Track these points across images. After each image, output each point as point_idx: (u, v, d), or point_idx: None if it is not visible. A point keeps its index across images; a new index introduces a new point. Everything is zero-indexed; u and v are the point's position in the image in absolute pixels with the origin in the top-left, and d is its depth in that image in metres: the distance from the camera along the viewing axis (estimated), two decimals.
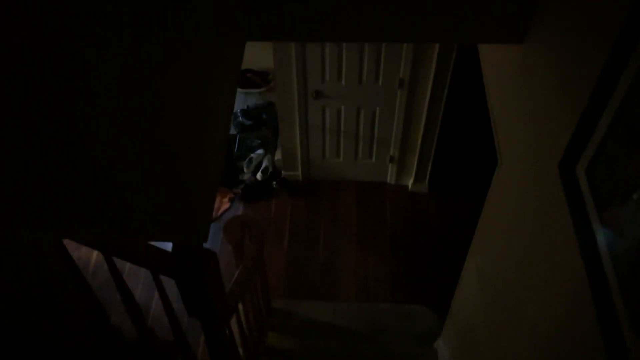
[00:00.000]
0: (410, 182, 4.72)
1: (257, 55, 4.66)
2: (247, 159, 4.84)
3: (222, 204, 4.60)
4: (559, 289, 1.50)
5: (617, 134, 1.19)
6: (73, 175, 1.20)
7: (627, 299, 1.07)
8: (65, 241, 2.00)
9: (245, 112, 4.96)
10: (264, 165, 4.79)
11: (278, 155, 4.82)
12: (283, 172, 4.80)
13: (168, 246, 1.83)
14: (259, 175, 4.73)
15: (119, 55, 0.99)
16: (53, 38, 0.92)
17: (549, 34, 1.62)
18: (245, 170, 4.80)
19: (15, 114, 1.05)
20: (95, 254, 4.09)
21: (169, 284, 1.98)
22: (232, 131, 4.98)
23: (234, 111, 4.92)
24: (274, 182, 4.75)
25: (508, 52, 1.97)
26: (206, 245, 1.69)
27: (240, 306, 2.74)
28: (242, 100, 5.12)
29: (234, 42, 1.75)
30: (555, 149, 1.50)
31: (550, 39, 1.61)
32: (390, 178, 4.77)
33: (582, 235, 1.30)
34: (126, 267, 3.87)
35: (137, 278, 3.92)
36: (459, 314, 2.96)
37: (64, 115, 1.06)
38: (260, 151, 4.89)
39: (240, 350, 2.84)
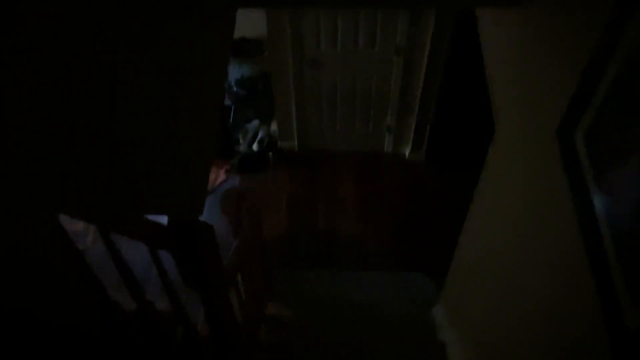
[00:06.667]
0: (407, 151, 4.70)
1: (251, 22, 4.58)
2: (242, 130, 4.80)
3: (219, 176, 4.58)
4: (556, 256, 1.50)
5: (616, 99, 1.17)
6: (68, 148, 1.18)
7: (625, 267, 1.06)
8: (61, 216, 1.98)
9: (240, 83, 4.90)
10: (259, 136, 4.76)
11: (274, 126, 4.78)
12: (279, 143, 4.77)
13: (164, 220, 1.82)
14: (255, 146, 4.71)
15: (116, 23, 0.96)
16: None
17: None
18: (241, 141, 4.77)
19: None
20: (93, 227, 4.09)
21: (168, 254, 1.98)
22: (227, 102, 4.93)
23: (229, 82, 4.85)
24: (270, 153, 4.72)
25: (506, 17, 1.92)
26: (203, 217, 1.68)
27: (239, 277, 2.75)
28: (237, 70, 5.05)
29: (224, 8, 1.71)
30: (554, 116, 1.47)
31: (549, 1, 1.57)
32: (387, 147, 4.75)
33: (579, 202, 1.29)
34: (125, 238, 3.87)
35: (137, 248, 3.91)
36: (456, 281, 2.98)
37: (65, 89, 1.03)
38: (255, 122, 4.85)
39: (240, 320, 2.87)
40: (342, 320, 3.43)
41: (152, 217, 1.96)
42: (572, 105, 1.36)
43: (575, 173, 1.33)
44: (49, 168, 1.22)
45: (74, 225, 3.98)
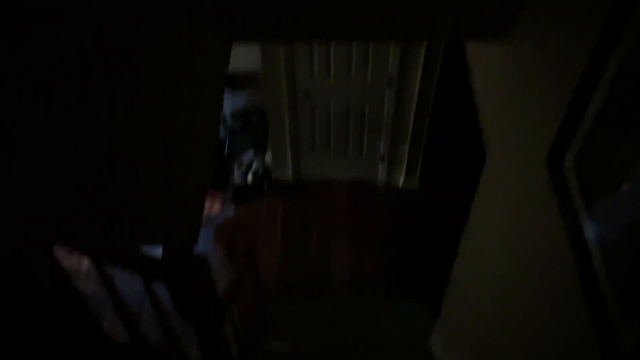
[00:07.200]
0: (401, 179, 4.73)
1: (245, 55, 4.65)
2: (237, 161, 4.83)
3: (213, 207, 4.58)
4: (548, 281, 1.50)
5: (604, 126, 1.19)
6: (64, 179, 1.19)
7: (616, 290, 1.07)
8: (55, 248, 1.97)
9: (234, 115, 4.95)
10: (254, 166, 4.78)
11: (268, 157, 4.81)
12: (273, 173, 4.79)
13: (159, 252, 1.82)
14: (249, 177, 4.72)
15: (120, 64, 0.98)
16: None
17: (534, 27, 1.63)
18: (235, 172, 4.78)
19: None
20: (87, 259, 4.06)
21: (162, 285, 1.96)
22: (222, 133, 4.97)
23: (223, 114, 4.90)
24: (265, 183, 4.74)
25: (494, 47, 1.97)
26: (198, 248, 1.68)
27: (234, 308, 2.73)
28: (231, 102, 5.11)
29: (220, 43, 1.74)
30: (543, 143, 1.50)
31: (536, 33, 1.62)
32: (381, 176, 4.77)
33: (570, 228, 1.31)
34: (118, 269, 3.83)
35: (130, 280, 3.88)
36: (452, 310, 2.97)
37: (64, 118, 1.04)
38: (250, 153, 4.88)
39: (234, 352, 2.83)
40: (338, 351, 3.39)
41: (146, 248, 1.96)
42: (561, 132, 1.39)
43: (565, 198, 1.34)
44: (43, 198, 1.23)
45: (67, 260, 3.95)
